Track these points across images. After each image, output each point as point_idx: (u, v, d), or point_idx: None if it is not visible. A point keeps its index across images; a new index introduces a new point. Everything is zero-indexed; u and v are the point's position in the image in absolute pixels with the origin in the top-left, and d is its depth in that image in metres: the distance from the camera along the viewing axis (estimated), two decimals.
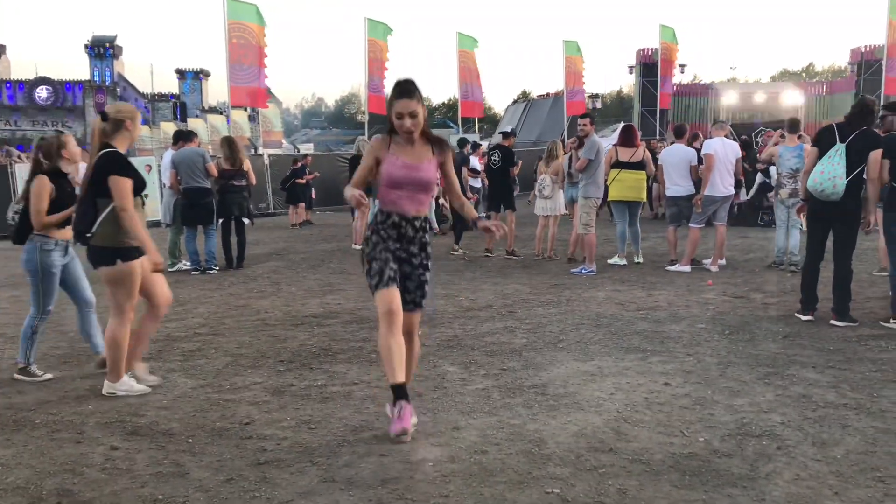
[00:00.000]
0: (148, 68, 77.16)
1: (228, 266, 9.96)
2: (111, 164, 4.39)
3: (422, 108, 3.68)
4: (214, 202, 9.69)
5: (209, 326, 6.53)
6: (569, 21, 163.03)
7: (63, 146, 4.96)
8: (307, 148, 44.63)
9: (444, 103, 78.50)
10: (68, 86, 66.50)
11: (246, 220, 10.43)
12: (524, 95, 59.86)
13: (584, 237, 9.17)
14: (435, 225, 12.77)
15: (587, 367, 5.02)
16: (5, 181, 15.54)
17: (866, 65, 28.94)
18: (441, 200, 12.88)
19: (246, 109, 35.69)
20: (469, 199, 13.08)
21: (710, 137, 9.44)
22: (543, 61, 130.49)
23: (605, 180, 9.55)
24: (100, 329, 5.15)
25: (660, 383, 4.64)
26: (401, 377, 3.64)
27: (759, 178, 12.77)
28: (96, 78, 68.14)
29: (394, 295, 3.67)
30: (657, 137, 23.77)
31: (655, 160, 10.54)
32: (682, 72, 32.95)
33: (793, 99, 25.38)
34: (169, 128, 38.38)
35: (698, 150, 9.70)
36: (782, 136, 9.27)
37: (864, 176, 6.06)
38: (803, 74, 70.46)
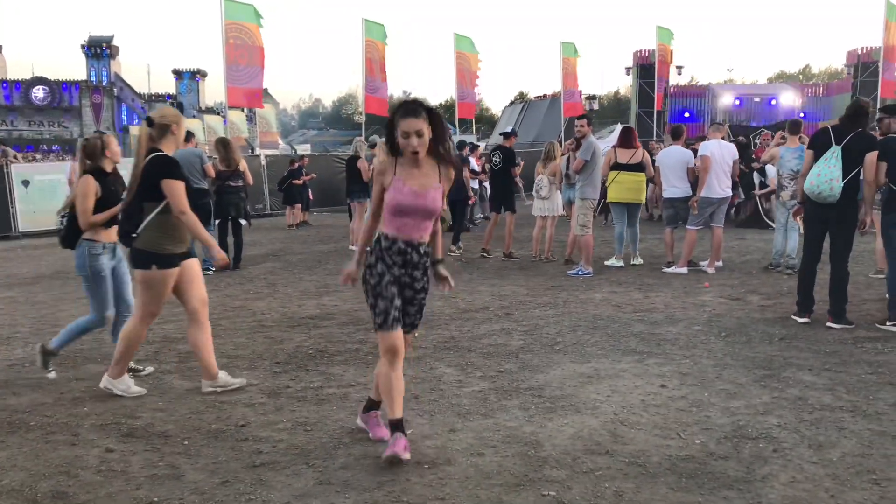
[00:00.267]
0: (145, 68, 76.72)
1: (224, 267, 9.93)
2: (162, 167, 4.45)
3: (429, 128, 3.49)
4: (211, 203, 9.67)
5: None
6: (566, 22, 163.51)
7: (106, 146, 5.07)
8: (304, 149, 44.70)
9: (441, 104, 78.51)
10: (65, 86, 66.40)
11: (243, 222, 10.40)
12: (521, 97, 59.92)
13: (580, 238, 9.17)
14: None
15: (584, 370, 5.02)
16: (1, 181, 15.53)
17: (863, 67, 29.06)
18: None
19: (243, 110, 35.72)
20: (469, 199, 13.22)
21: (707, 139, 9.46)
22: (540, 63, 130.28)
23: (604, 182, 9.56)
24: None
25: (656, 385, 4.64)
26: (399, 412, 3.57)
27: (756, 178, 12.75)
28: (93, 78, 67.98)
29: (397, 336, 3.59)
30: (654, 139, 23.81)
31: (652, 161, 10.54)
32: (679, 73, 33.06)
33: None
34: None
35: (695, 152, 9.70)
36: (783, 137, 9.27)
37: (861, 178, 6.07)
38: (800, 76, 70.71)
